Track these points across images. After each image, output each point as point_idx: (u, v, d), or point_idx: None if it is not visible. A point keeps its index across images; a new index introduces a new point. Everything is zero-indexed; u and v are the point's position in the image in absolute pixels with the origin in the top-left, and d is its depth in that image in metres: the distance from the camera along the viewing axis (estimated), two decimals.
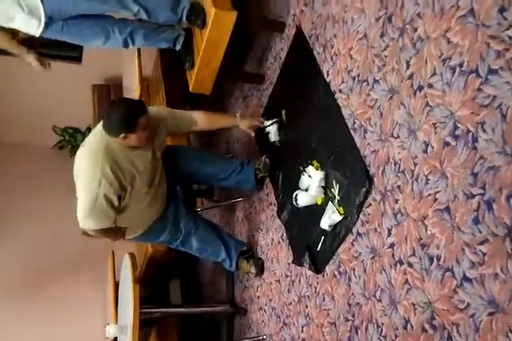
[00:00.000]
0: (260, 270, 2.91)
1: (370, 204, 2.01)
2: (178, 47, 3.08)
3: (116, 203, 2.42)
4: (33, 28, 2.74)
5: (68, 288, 4.53)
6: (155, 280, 4.08)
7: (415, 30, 1.85)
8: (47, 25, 2.74)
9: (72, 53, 4.15)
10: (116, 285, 3.82)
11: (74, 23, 2.81)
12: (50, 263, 4.54)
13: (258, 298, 3.01)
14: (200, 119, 2.78)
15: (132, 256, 3.41)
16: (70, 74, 4.51)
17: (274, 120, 2.84)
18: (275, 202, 2.88)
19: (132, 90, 3.70)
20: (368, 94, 2.10)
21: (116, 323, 3.49)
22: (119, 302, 3.62)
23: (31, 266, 4.52)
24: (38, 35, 2.80)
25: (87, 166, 2.40)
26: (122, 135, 2.39)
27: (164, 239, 2.86)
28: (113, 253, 4.08)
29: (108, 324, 3.42)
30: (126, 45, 2.97)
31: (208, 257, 3.08)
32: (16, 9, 2.66)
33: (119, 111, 2.39)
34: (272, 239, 2.88)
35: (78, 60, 4.29)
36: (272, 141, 2.87)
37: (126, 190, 2.45)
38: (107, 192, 2.36)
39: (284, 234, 2.74)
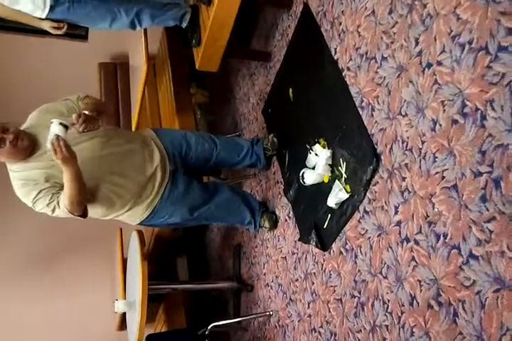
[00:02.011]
0: (274, 225, 2.92)
1: (377, 182, 2.02)
2: (184, 25, 3.06)
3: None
4: (39, 10, 2.72)
5: (78, 264, 4.60)
6: (162, 257, 4.12)
7: (424, 6, 1.83)
8: (52, 7, 2.72)
9: (78, 31, 4.14)
10: (124, 261, 3.87)
11: (80, 5, 2.78)
12: (61, 240, 4.59)
13: (264, 274, 3.04)
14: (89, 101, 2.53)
15: (140, 233, 3.44)
16: (76, 53, 4.49)
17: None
18: (282, 180, 2.89)
19: (138, 68, 3.68)
20: (376, 72, 2.09)
21: (125, 299, 3.54)
22: (127, 279, 3.68)
23: (43, 242, 4.59)
24: (43, 17, 2.78)
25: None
26: None
27: (179, 217, 2.74)
28: (121, 230, 4.12)
29: (117, 299, 3.46)
30: (133, 26, 2.95)
31: (233, 223, 3.08)
32: None
33: None
34: (279, 217, 2.90)
35: (84, 37, 4.29)
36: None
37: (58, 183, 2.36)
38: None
39: (291, 212, 2.75)
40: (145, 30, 3.43)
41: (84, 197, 2.36)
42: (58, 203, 2.33)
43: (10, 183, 2.41)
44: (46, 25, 2.87)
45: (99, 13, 2.84)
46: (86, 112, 2.30)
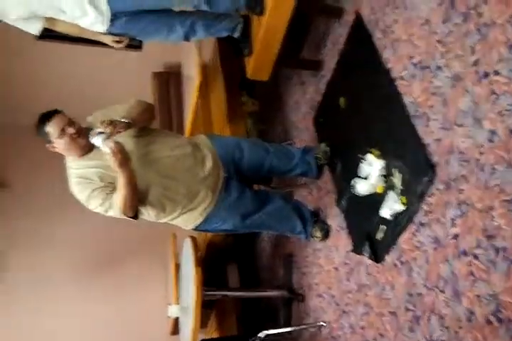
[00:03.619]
0: (326, 235, 2.89)
1: (433, 194, 1.98)
2: (236, 35, 3.08)
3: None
4: (100, 24, 2.79)
5: (132, 267, 4.75)
6: (213, 264, 4.15)
7: (480, 15, 1.79)
8: (112, 21, 2.79)
9: (133, 41, 4.23)
10: (177, 267, 3.93)
11: (136, 19, 2.84)
12: (116, 243, 4.77)
13: (317, 284, 3.02)
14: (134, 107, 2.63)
15: (193, 239, 3.49)
16: (131, 62, 4.62)
17: None
18: (333, 189, 2.87)
19: (191, 78, 3.74)
20: (431, 81, 2.06)
21: (178, 304, 3.59)
22: (180, 284, 3.73)
23: (100, 245, 4.76)
24: (104, 32, 2.85)
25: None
26: (47, 147, 2.47)
27: (232, 224, 2.76)
28: (174, 235, 4.19)
29: (170, 304, 3.51)
30: (187, 38, 2.99)
31: (284, 232, 3.05)
32: (83, 7, 2.72)
33: (35, 129, 2.46)
34: (331, 227, 2.88)
35: (138, 47, 4.38)
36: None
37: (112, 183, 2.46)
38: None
39: (343, 222, 2.73)
40: (198, 41, 3.48)
41: (137, 199, 2.44)
42: (111, 204, 2.43)
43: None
44: (108, 40, 2.95)
45: (155, 26, 2.89)
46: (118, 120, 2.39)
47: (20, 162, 5.04)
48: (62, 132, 2.40)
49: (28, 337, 4.38)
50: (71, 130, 2.41)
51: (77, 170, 2.50)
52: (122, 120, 2.41)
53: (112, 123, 2.34)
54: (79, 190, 2.49)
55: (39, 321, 4.41)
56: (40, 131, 2.43)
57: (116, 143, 2.26)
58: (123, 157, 2.27)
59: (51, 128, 2.40)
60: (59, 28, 2.91)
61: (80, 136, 2.43)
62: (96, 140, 2.30)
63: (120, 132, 2.37)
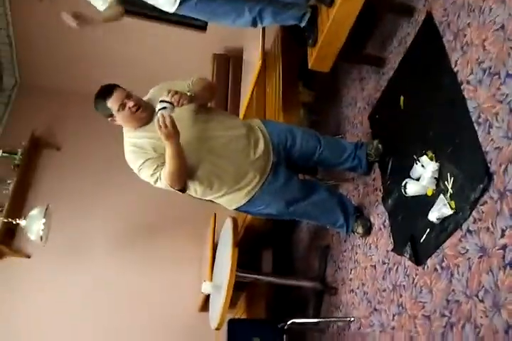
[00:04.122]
0: (367, 231, 2.89)
1: (486, 202, 1.96)
2: (303, 24, 3.08)
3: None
4: (169, 4, 2.84)
5: (171, 241, 4.83)
6: (250, 247, 4.19)
7: None
8: (181, 2, 2.82)
9: (197, 21, 4.28)
10: (215, 245, 3.99)
11: (206, 2, 2.87)
12: (159, 217, 4.88)
13: (351, 280, 3.03)
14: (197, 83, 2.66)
15: (234, 220, 3.54)
16: (194, 42, 4.68)
17: None
18: (381, 187, 2.86)
19: (251, 62, 3.76)
20: (499, 88, 2.02)
21: (211, 281, 3.66)
22: (216, 263, 3.80)
23: (143, 216, 4.89)
24: (171, 12, 2.90)
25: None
26: (109, 121, 2.57)
27: (275, 209, 2.79)
28: (215, 215, 4.26)
29: (204, 281, 3.58)
30: (254, 24, 3.00)
31: (325, 224, 3.08)
32: None
33: (94, 105, 2.55)
34: (373, 224, 2.88)
35: (203, 28, 4.43)
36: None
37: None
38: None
39: (387, 221, 2.72)
40: (263, 28, 3.49)
41: (185, 173, 2.51)
42: (160, 175, 2.50)
43: (121, 151, 2.63)
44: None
45: (224, 10, 2.92)
46: (184, 92, 2.44)
47: (74, 127, 5.23)
48: (123, 106, 2.49)
49: (58, 296, 4.52)
50: (130, 103, 2.49)
51: (133, 140, 2.58)
52: (187, 93, 2.46)
53: (177, 93, 2.39)
54: (133, 159, 2.57)
55: (71, 283, 4.55)
56: (100, 107, 2.52)
57: (167, 115, 2.31)
58: (170, 130, 2.31)
59: (112, 104, 2.48)
60: None
61: (139, 108, 2.51)
62: (157, 107, 2.35)
63: (184, 104, 2.42)
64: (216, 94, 2.95)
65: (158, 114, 2.32)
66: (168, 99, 2.35)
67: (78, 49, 4.97)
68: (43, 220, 4.07)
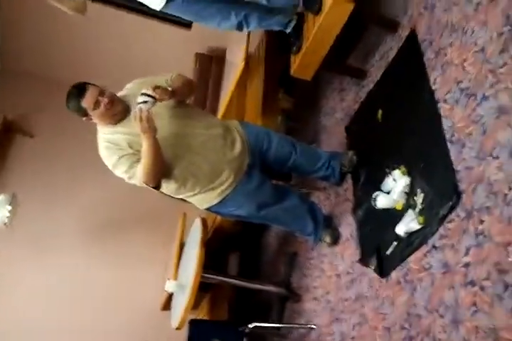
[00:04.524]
0: (335, 241, 2.92)
1: (453, 220, 1.99)
2: (288, 31, 3.10)
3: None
4: (155, 2, 2.83)
5: (138, 238, 4.86)
6: (217, 249, 4.19)
7: None
8: (168, 1, 2.82)
9: (183, 19, 4.25)
10: (182, 245, 3.98)
11: (192, 3, 2.87)
12: (129, 213, 4.90)
13: (315, 287, 3.06)
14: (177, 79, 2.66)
15: (204, 220, 3.54)
16: (177, 39, 4.67)
17: None
18: (352, 198, 2.89)
19: (234, 64, 3.76)
20: (474, 109, 2.06)
21: (175, 280, 3.65)
22: (182, 262, 3.79)
23: (112, 213, 4.86)
24: (158, 10, 2.89)
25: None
26: (84, 120, 2.54)
27: (246, 211, 2.80)
28: (185, 215, 4.25)
29: (169, 279, 3.57)
30: (240, 28, 3.01)
31: (294, 230, 3.10)
32: None
33: (66, 105, 2.51)
34: (341, 234, 2.90)
35: (188, 26, 4.42)
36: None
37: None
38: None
39: (355, 232, 2.75)
40: (249, 32, 3.50)
41: (160, 169, 2.50)
42: (135, 171, 2.49)
43: (96, 146, 2.61)
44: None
45: (209, 12, 2.92)
46: (166, 87, 2.44)
47: (51, 116, 5.12)
48: (97, 104, 2.46)
49: (22, 286, 4.47)
50: (105, 100, 2.46)
51: (107, 136, 2.56)
52: (168, 88, 2.46)
53: (159, 88, 2.39)
54: (107, 155, 2.55)
55: (35, 273, 4.52)
56: (74, 107, 2.48)
57: (145, 110, 2.30)
58: (148, 124, 2.31)
59: (86, 103, 2.45)
60: None
61: (113, 104, 2.49)
62: (138, 100, 2.33)
63: (165, 99, 2.42)
64: (195, 91, 2.96)
65: (137, 108, 2.31)
66: (150, 92, 2.33)
67: (62, 39, 4.95)
68: (9, 207, 4.02)
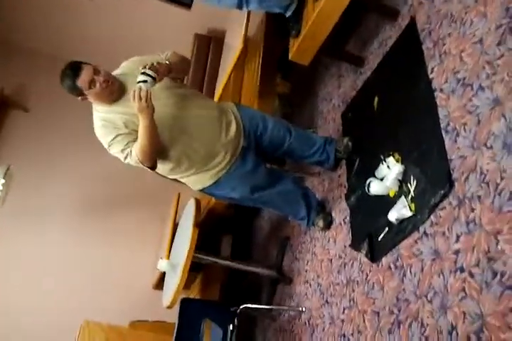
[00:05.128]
0: (327, 225, 2.95)
1: (444, 208, 2.03)
2: (288, 14, 3.10)
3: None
4: None
5: (132, 217, 4.89)
6: (210, 230, 4.23)
7: None
8: None
9: None
10: (175, 225, 4.02)
11: None
12: (124, 191, 4.93)
13: (306, 271, 3.10)
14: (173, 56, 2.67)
15: (197, 201, 3.56)
16: (177, 18, 4.65)
17: None
18: (346, 184, 2.92)
19: (232, 46, 3.76)
20: (470, 100, 2.09)
21: (168, 259, 3.69)
22: (175, 242, 3.83)
23: (106, 190, 4.89)
24: None
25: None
26: (80, 99, 2.52)
27: (239, 193, 2.82)
28: (179, 195, 4.27)
29: (161, 258, 3.61)
30: (240, 6, 3.01)
31: (287, 214, 3.15)
32: None
33: (61, 84, 2.49)
34: (334, 219, 2.94)
35: (188, 5, 4.39)
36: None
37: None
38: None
39: (347, 217, 2.79)
40: (248, 13, 3.50)
41: (156, 149, 2.51)
42: (131, 151, 2.49)
43: (91, 123, 2.60)
44: None
45: None
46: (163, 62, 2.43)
47: (46, 91, 5.06)
48: (93, 83, 2.44)
49: (14, 263, 4.50)
50: (100, 79, 2.45)
51: (103, 114, 2.55)
52: (166, 62, 2.45)
53: (159, 64, 2.38)
54: (103, 134, 2.55)
55: (27, 249, 4.55)
56: (69, 87, 2.47)
57: (143, 89, 2.29)
58: (145, 103, 2.30)
59: (81, 83, 2.43)
60: None
61: (109, 82, 2.47)
62: (138, 78, 2.31)
63: (164, 76, 2.42)
64: (189, 69, 2.94)
65: (136, 87, 2.30)
66: (150, 72, 2.32)
67: (60, 15, 4.91)
68: (2, 181, 4.02)
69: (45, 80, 5.06)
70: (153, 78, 2.32)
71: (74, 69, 2.46)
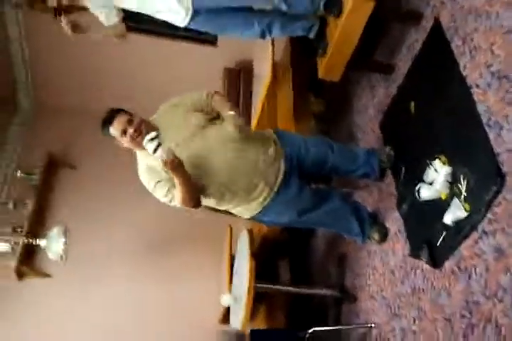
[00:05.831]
0: (383, 237, 2.91)
1: (500, 203, 1.98)
2: (312, 36, 3.14)
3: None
4: (180, 19, 2.91)
5: (189, 257, 4.93)
6: (266, 257, 4.22)
7: None
8: (192, 17, 2.89)
9: (207, 36, 4.36)
10: (232, 258, 4.02)
11: (216, 15, 2.94)
12: (176, 233, 4.98)
13: (369, 286, 3.04)
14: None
15: (250, 232, 3.56)
16: (203, 57, 4.76)
17: None
18: (395, 193, 2.88)
19: (261, 75, 3.82)
20: (507, 91, 2.05)
21: (230, 293, 3.69)
22: (234, 275, 3.82)
23: (159, 235, 4.97)
24: (183, 26, 2.96)
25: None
26: (117, 144, 2.60)
27: (287, 218, 2.83)
28: (231, 227, 4.29)
29: (224, 293, 3.61)
30: (263, 36, 3.07)
31: (340, 232, 3.12)
32: (167, 2, 2.84)
33: (101, 130, 2.59)
34: (389, 230, 2.89)
35: (213, 43, 4.51)
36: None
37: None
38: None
39: (402, 227, 2.74)
40: (272, 39, 3.55)
41: (196, 194, 2.56)
42: (174, 196, 2.56)
43: (134, 170, 2.68)
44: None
45: (233, 22, 2.98)
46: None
47: (88, 146, 5.28)
48: (124, 132, 2.53)
49: (76, 309, 4.61)
50: (131, 130, 2.52)
51: (145, 160, 2.62)
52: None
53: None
54: (146, 179, 2.63)
55: (88, 297, 4.64)
56: (105, 133, 2.58)
57: (168, 149, 2.36)
58: (174, 165, 2.37)
59: (114, 130, 2.54)
60: None
61: (140, 133, 2.52)
62: (148, 146, 2.40)
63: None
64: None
65: (157, 158, 2.36)
66: (149, 137, 2.40)
67: (92, 67, 5.08)
68: (63, 240, 4.12)
69: (87, 136, 5.26)
70: (157, 135, 2.41)
71: (110, 116, 2.57)
